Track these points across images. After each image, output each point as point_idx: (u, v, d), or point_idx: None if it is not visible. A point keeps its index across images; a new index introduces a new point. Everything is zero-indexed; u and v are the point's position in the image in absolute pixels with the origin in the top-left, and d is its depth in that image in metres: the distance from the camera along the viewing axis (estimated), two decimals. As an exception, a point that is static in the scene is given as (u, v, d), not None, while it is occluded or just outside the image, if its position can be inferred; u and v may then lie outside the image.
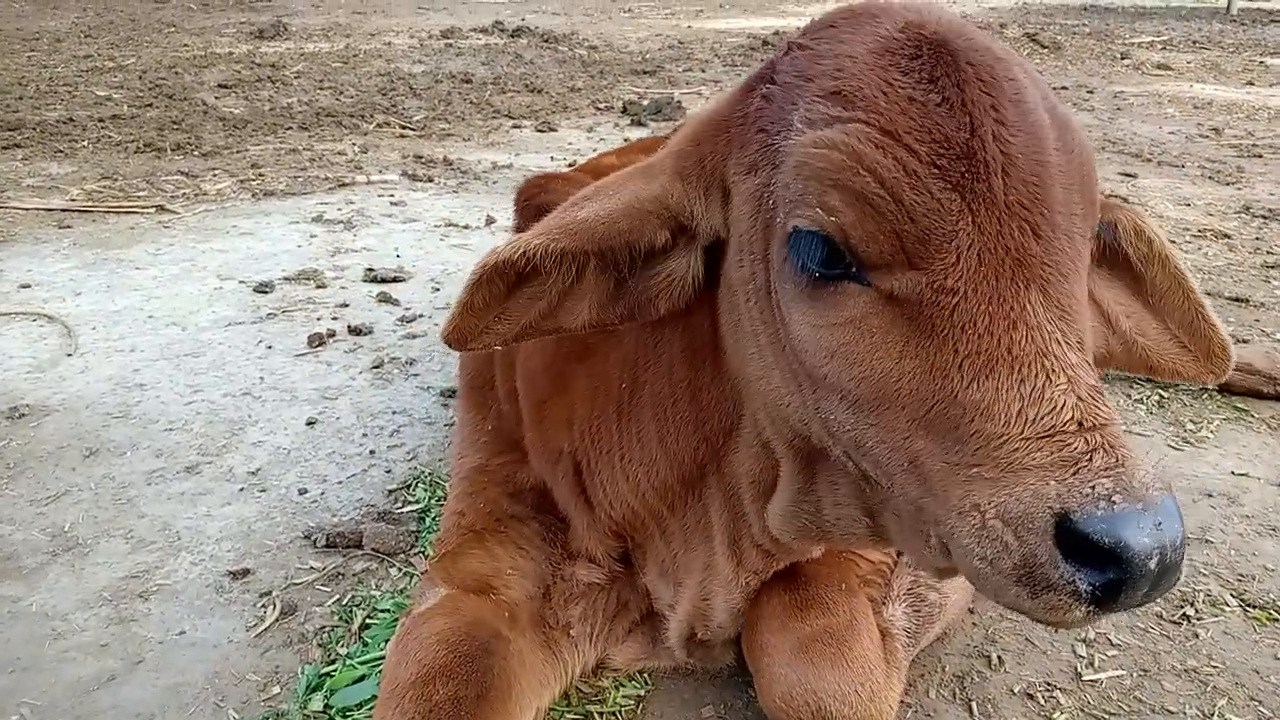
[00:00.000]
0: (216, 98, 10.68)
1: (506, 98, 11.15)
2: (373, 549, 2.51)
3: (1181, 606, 2.39)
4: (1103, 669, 2.19)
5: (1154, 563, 1.10)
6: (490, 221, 5.65)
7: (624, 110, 10.25)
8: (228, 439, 3.07)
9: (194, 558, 2.49)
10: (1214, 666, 2.19)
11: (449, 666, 1.81)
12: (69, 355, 3.63)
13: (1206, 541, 2.64)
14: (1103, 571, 1.11)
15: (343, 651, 2.18)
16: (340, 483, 2.86)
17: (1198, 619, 2.35)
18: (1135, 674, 2.17)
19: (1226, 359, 1.72)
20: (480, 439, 2.38)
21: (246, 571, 2.43)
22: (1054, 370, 1.20)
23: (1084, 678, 2.16)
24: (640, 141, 3.28)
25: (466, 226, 5.62)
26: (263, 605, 2.32)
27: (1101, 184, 1.50)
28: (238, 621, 2.28)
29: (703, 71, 13.49)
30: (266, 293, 4.37)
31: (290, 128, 8.91)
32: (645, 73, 13.33)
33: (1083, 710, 2.07)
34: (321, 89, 11.51)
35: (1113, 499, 1.11)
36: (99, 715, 2.00)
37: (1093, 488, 1.12)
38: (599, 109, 10.62)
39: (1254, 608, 2.39)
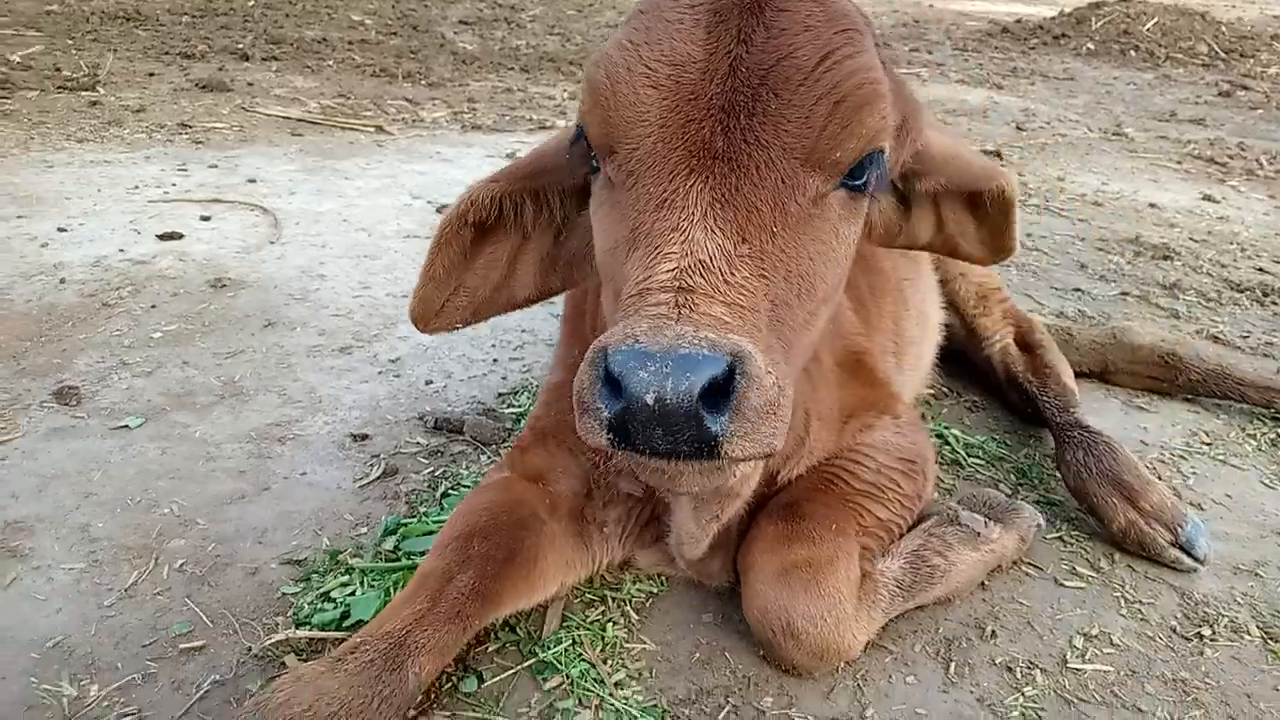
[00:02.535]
0: (455, 33, 11.47)
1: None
2: (472, 436, 2.92)
3: (1201, 625, 2.44)
4: (1092, 661, 2.30)
5: (650, 398, 1.23)
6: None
7: (834, 84, 10.25)
8: (380, 330, 3.58)
9: (328, 419, 2.99)
10: (1206, 683, 2.25)
11: (487, 529, 2.18)
12: (271, 243, 4.26)
13: (1256, 575, 2.64)
14: (615, 400, 1.27)
15: (423, 510, 2.60)
16: (462, 380, 3.29)
17: (1212, 639, 2.39)
18: (1122, 672, 2.27)
19: (1011, 250, 2.11)
20: (567, 361, 2.72)
21: (366, 436, 2.90)
22: (676, 242, 1.38)
23: (1069, 664, 2.28)
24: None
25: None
26: (371, 464, 2.78)
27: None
28: (349, 473, 2.75)
29: (929, 54, 13.19)
30: (446, 213, 4.90)
31: (512, 68, 9.51)
32: (869, 49, 13.16)
33: (1054, 691, 2.20)
34: (551, 34, 12.11)
35: (638, 339, 1.27)
36: (225, 522, 2.51)
37: (632, 328, 1.29)
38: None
39: (1276, 641, 2.41)
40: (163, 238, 4.21)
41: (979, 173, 1.97)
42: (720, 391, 1.28)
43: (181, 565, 2.37)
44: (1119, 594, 2.53)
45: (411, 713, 2.01)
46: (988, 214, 2.02)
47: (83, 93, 6.85)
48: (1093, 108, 10.21)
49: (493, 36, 11.35)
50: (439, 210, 4.93)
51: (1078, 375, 3.70)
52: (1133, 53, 13.48)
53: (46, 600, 2.24)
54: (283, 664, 2.12)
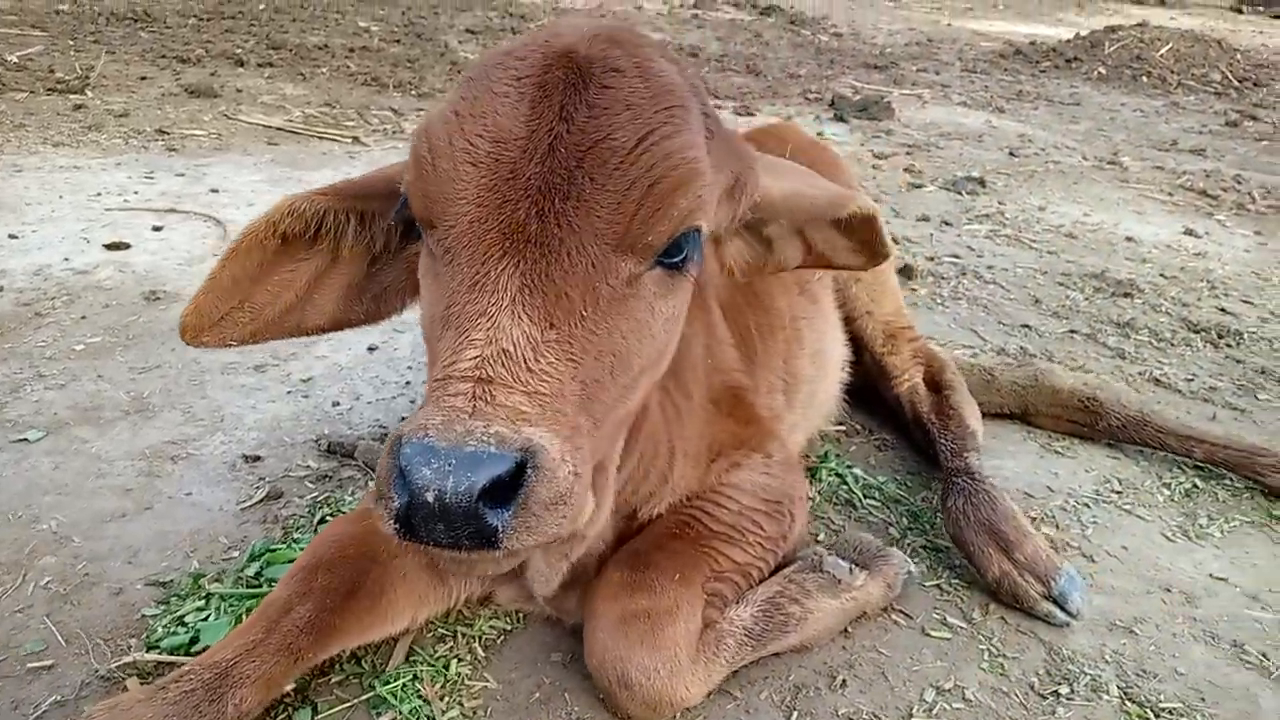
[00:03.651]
0: (459, 41, 11.54)
1: (722, 77, 11.39)
2: (364, 462, 2.96)
3: (1061, 682, 2.42)
4: (938, 717, 2.29)
5: (430, 496, 1.25)
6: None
7: (831, 104, 10.26)
8: (299, 349, 3.63)
9: (225, 439, 3.03)
10: (1049, 744, 2.25)
11: (333, 561, 2.21)
12: (215, 255, 4.31)
13: (1131, 632, 2.62)
14: (404, 493, 1.28)
15: (298, 537, 2.63)
16: (370, 403, 3.33)
17: (1069, 698, 2.38)
18: (966, 729, 2.27)
19: (885, 254, 2.11)
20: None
21: (258, 458, 2.94)
22: (483, 328, 1.39)
23: (913, 719, 2.28)
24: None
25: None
26: (258, 487, 2.82)
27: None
28: (234, 495, 2.79)
29: (936, 74, 13.15)
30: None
31: (507, 79, 9.55)
32: (876, 67, 13.16)
33: (893, 745, 2.20)
34: (556, 45, 12.12)
35: (428, 432, 1.29)
36: (101, 540, 2.56)
37: (427, 419, 1.31)
38: (808, 99, 10.66)
39: (1135, 704, 2.39)
40: (109, 247, 4.28)
41: (826, 205, 1.99)
42: (508, 485, 1.30)
43: (48, 583, 2.41)
44: (985, 647, 2.52)
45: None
46: (854, 230, 2.05)
47: (71, 95, 6.97)
48: (1093, 134, 10.13)
49: (495, 46, 11.42)
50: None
51: (999, 417, 3.69)
52: (1144, 79, 13.37)
53: (-92, 614, 2.29)
54: (125, 687, 2.15)
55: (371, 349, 3.69)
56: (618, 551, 2.27)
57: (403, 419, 2.87)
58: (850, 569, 2.48)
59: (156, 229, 4.60)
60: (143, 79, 7.81)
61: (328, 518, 2.71)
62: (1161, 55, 13.84)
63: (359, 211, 1.79)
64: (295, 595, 2.13)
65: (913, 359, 3.37)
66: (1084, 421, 3.57)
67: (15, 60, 7.72)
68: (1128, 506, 3.22)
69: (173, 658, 2.22)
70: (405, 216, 1.69)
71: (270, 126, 6.67)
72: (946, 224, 6.38)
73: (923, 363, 3.39)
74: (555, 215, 1.45)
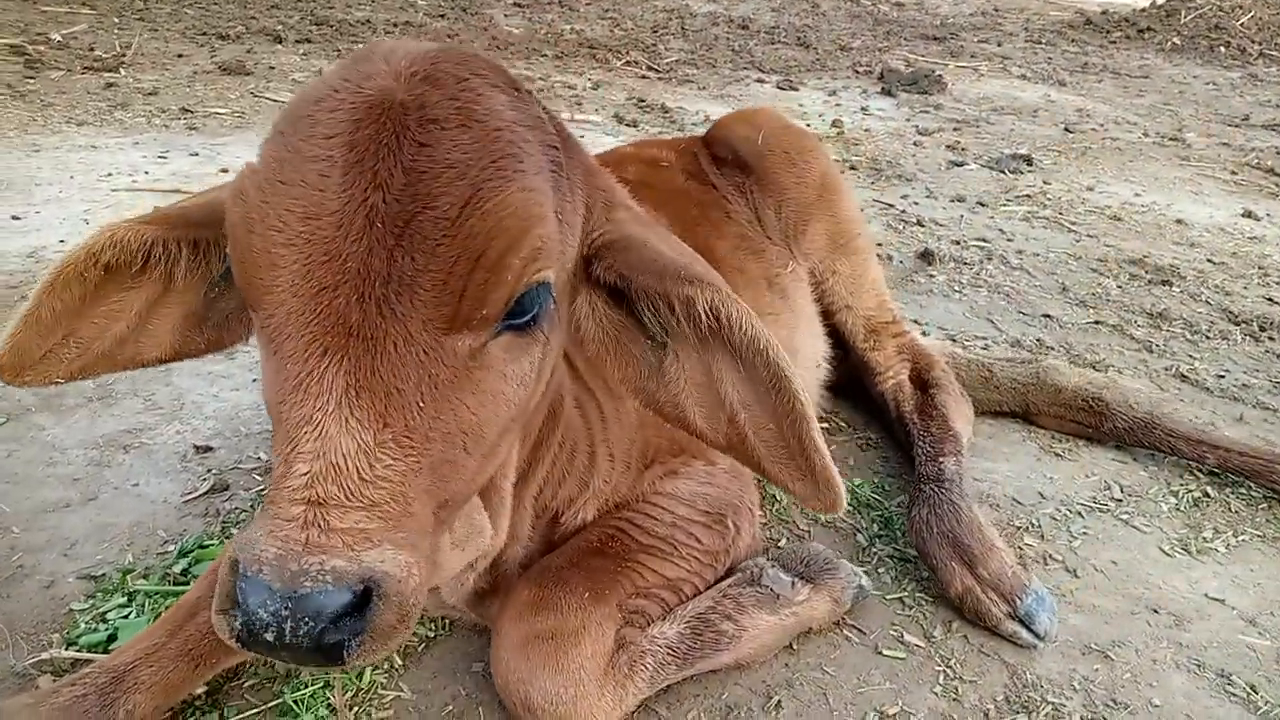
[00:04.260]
0: (505, 15, 11.45)
1: (771, 49, 11.13)
2: (316, 454, 2.90)
3: (1019, 711, 2.26)
4: (877, 743, 2.15)
5: (270, 636, 1.20)
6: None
7: (880, 77, 9.94)
8: (276, 334, 3.58)
9: (181, 427, 3.00)
10: (994, 778, 2.09)
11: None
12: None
13: (1106, 657, 2.43)
14: (239, 617, 1.22)
15: (234, 531, 2.59)
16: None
17: (1024, 728, 2.22)
18: (906, 759, 2.13)
19: (832, 494, 1.55)
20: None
21: (210, 448, 2.91)
22: (311, 438, 1.27)
23: (848, 746, 2.14)
24: (675, 140, 3.34)
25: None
26: (204, 478, 2.79)
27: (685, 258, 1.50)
28: (180, 487, 2.75)
29: (998, 46, 12.67)
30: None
31: (545, 55, 9.45)
32: (934, 39, 12.74)
33: (819, 775, 2.07)
34: (603, 19, 12.00)
35: (262, 568, 1.21)
36: (40, 531, 2.54)
37: (261, 551, 1.22)
38: (857, 72, 10.35)
39: (1097, 735, 2.22)
40: (108, 228, 4.29)
41: (675, 272, 1.57)
42: (351, 610, 1.25)
43: (-22, 575, 2.40)
44: (941, 669, 2.36)
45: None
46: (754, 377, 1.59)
47: (105, 74, 7.05)
48: (1158, 109, 9.64)
49: (542, 20, 11.31)
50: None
51: (999, 415, 3.50)
52: (1222, 49, 12.69)
53: None
54: (37, 684, 2.13)
55: (348, 335, 3.64)
56: (533, 565, 2.17)
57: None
58: (792, 583, 2.34)
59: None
60: (179, 56, 7.88)
61: (269, 513, 2.66)
62: (1242, 24, 13.11)
63: (191, 240, 1.63)
64: (204, 598, 2.08)
65: (898, 355, 3.19)
66: (1088, 422, 3.35)
67: (59, 38, 7.85)
68: (1125, 516, 3.01)
69: (89, 655, 2.20)
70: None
71: (295, 104, 6.65)
72: (981, 205, 6.10)
73: (909, 359, 3.21)
74: (377, 302, 1.30)
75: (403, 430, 1.32)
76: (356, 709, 2.13)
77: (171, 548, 2.53)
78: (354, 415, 1.29)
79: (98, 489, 2.71)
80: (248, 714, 2.11)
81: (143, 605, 2.33)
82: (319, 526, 1.24)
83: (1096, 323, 4.43)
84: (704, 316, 1.51)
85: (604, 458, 2.23)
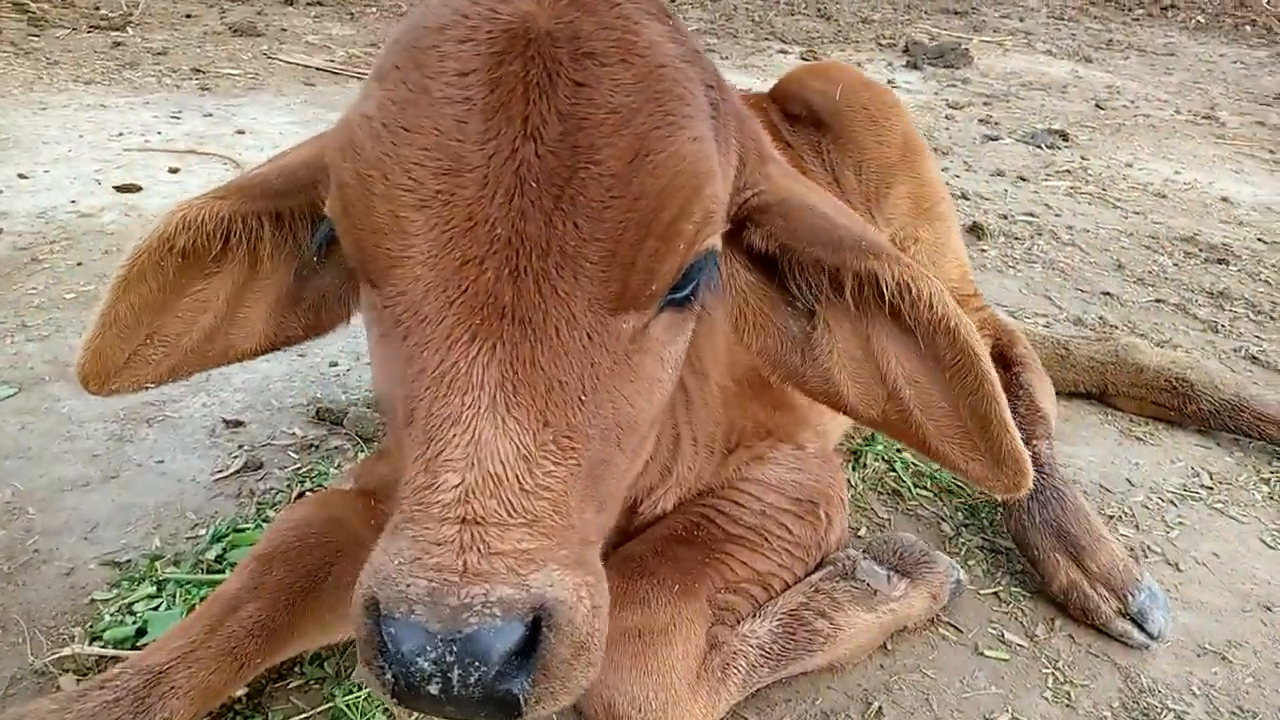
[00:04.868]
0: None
1: (791, 20, 10.86)
2: (354, 431, 2.68)
3: (1142, 718, 2.06)
4: (990, 757, 1.95)
5: (435, 687, 0.99)
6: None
7: (905, 50, 9.68)
8: (303, 302, 3.35)
9: (208, 400, 2.78)
10: (1121, 795, 1.89)
11: (290, 553, 1.93)
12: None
13: (1224, 659, 2.23)
14: (394, 670, 1.02)
15: (270, 515, 2.37)
16: (369, 364, 3.03)
17: (1146, 740, 2.02)
18: (1023, 774, 1.92)
19: (1018, 473, 1.37)
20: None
21: (240, 423, 2.68)
22: (460, 443, 1.06)
23: (960, 759, 1.94)
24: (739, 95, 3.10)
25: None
26: (235, 455, 2.56)
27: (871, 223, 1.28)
28: (209, 464, 2.53)
29: (1020, 21, 12.41)
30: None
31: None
32: (955, 12, 12.46)
33: (932, 791, 1.87)
34: (617, -13, 11.67)
35: (414, 607, 1.00)
36: (58, 512, 2.32)
37: (408, 586, 1.01)
38: (881, 45, 10.09)
39: (1227, 748, 2.02)
40: (120, 190, 4.06)
41: (848, 242, 1.38)
42: (523, 649, 1.05)
43: (-7, 559, 2.18)
44: (1049, 670, 2.16)
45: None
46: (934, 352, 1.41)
47: (112, 32, 6.78)
48: (1187, 87, 9.41)
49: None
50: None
51: (1075, 396, 3.29)
52: (1248, 28, 12.45)
53: None
54: (58, 685, 1.92)
55: (380, 305, 3.41)
56: (609, 557, 1.95)
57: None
58: (888, 577, 2.13)
59: (173, 171, 4.36)
60: (187, 17, 7.60)
61: (307, 493, 2.44)
62: (1268, 1, 12.85)
63: (273, 213, 1.42)
64: (245, 591, 1.86)
65: (979, 330, 2.95)
66: (1171, 405, 3.14)
67: (62, -3, 7.57)
68: (1219, 505, 2.81)
69: (116, 652, 1.98)
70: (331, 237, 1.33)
71: (309, 66, 6.40)
72: (1022, 180, 5.88)
73: (990, 335, 2.99)
74: (535, 278, 1.10)
75: (564, 430, 1.11)
76: (417, 714, 1.91)
77: (202, 531, 2.31)
78: (511, 414, 1.08)
79: (119, 466, 2.49)
80: (297, 719, 1.89)
81: (174, 596, 2.11)
82: (478, 550, 1.03)
83: (1158, 301, 4.22)
84: (889, 293, 1.31)
85: (688, 442, 2.01)
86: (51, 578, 2.16)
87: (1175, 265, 4.66)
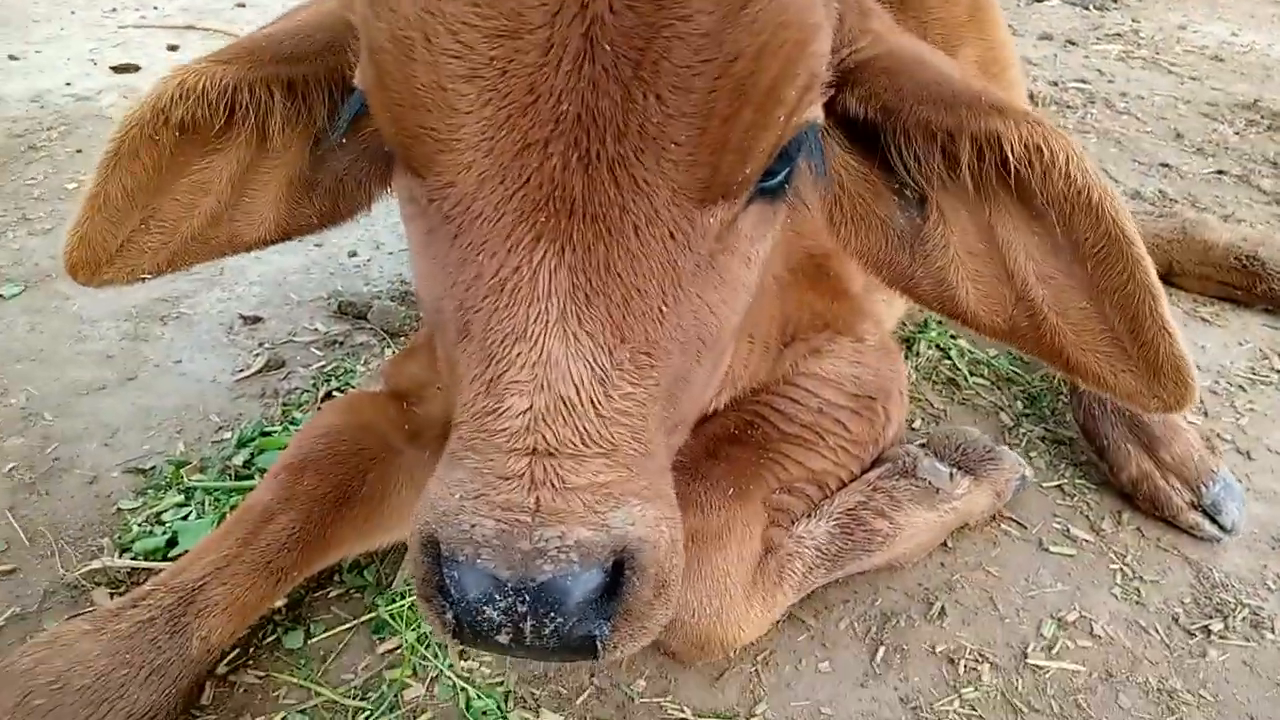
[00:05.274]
0: None
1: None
2: (378, 325, 2.55)
3: (1211, 616, 1.96)
4: (1060, 658, 1.86)
5: (505, 637, 0.90)
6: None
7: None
8: (318, 189, 3.18)
9: (223, 294, 2.64)
10: (1199, 697, 1.80)
11: (322, 460, 1.82)
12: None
13: (1296, 550, 2.13)
14: (453, 609, 0.93)
15: (298, 415, 2.26)
16: (392, 253, 2.89)
17: (1221, 637, 1.92)
18: (1095, 675, 1.83)
19: (1181, 385, 1.16)
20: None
21: (258, 319, 2.55)
22: (526, 362, 0.92)
23: (1029, 659, 1.85)
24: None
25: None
26: (256, 354, 2.44)
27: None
28: (229, 364, 2.41)
29: None
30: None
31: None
32: None
33: (1001, 695, 1.79)
34: None
35: (480, 550, 0.89)
36: (75, 418, 2.22)
37: (472, 526, 0.90)
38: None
39: (1308, 645, 1.93)
40: (117, 70, 3.83)
41: (966, 98, 1.16)
42: (603, 593, 0.95)
43: (12, 469, 2.09)
44: (1117, 567, 2.07)
45: (222, 669, 1.73)
46: (1074, 237, 1.19)
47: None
48: (1240, -62, 8.81)
49: None
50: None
51: (1135, 275, 3.10)
52: None
53: None
54: (91, 599, 1.85)
55: (399, 190, 3.23)
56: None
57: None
58: (951, 475, 2.02)
59: (172, 48, 4.11)
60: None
61: (334, 393, 2.33)
62: None
63: (284, 80, 1.24)
64: (277, 501, 1.76)
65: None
66: (1239, 284, 2.97)
67: None
68: (1292, 390, 2.66)
69: (147, 564, 1.90)
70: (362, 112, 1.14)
71: (307, -66, 6.03)
72: (1071, 44, 5.53)
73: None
74: (610, 165, 0.93)
75: (642, 345, 0.97)
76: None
77: (227, 435, 2.21)
78: (583, 328, 0.94)
79: (136, 367, 2.37)
80: (337, 630, 1.82)
81: (202, 504, 2.02)
82: (551, 485, 0.91)
83: (1219, 173, 3.98)
84: (1015, 159, 1.09)
85: (742, 338, 1.86)
86: (75, 487, 2.07)
87: (1237, 134, 4.39)
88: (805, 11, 0.97)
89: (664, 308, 0.99)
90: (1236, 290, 2.99)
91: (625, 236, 0.95)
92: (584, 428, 0.93)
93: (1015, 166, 1.11)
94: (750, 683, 1.78)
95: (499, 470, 0.92)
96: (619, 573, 0.95)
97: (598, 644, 0.95)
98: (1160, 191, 3.77)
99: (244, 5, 4.68)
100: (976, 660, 1.85)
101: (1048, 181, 1.11)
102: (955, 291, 1.23)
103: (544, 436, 0.92)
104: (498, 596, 0.90)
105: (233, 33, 4.33)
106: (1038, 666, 1.84)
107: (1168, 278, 3.08)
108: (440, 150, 0.95)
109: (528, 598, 0.89)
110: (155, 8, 4.57)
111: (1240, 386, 2.66)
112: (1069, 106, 4.53)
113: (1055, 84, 4.79)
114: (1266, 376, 2.71)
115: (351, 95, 1.16)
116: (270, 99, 1.24)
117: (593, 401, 0.94)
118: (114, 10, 4.47)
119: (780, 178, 1.08)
